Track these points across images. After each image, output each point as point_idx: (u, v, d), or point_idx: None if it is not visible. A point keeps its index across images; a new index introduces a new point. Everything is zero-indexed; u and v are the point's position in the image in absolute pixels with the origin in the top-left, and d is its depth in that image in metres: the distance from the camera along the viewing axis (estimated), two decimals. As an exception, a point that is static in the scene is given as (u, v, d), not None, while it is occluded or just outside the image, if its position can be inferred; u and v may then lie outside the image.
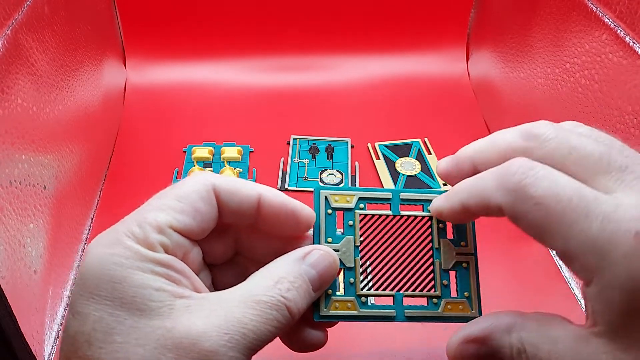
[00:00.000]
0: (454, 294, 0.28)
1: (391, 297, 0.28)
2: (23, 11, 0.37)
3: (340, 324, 0.28)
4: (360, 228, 0.28)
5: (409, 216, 0.28)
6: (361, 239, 0.28)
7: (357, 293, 0.27)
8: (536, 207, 0.20)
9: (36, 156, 0.37)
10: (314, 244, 0.27)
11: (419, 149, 0.57)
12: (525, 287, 0.43)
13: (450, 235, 0.28)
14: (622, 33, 0.37)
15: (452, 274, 0.28)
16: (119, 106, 0.61)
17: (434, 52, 0.67)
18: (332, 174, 0.54)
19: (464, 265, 0.28)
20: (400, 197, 0.29)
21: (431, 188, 0.52)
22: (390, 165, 0.55)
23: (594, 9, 0.40)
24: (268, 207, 0.25)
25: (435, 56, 0.67)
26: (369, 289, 0.28)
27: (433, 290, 0.28)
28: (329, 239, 0.28)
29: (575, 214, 0.19)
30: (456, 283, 0.28)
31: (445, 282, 0.28)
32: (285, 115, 0.61)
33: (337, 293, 0.27)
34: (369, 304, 0.28)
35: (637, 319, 0.19)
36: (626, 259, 0.18)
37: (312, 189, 0.52)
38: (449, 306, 0.28)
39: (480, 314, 0.28)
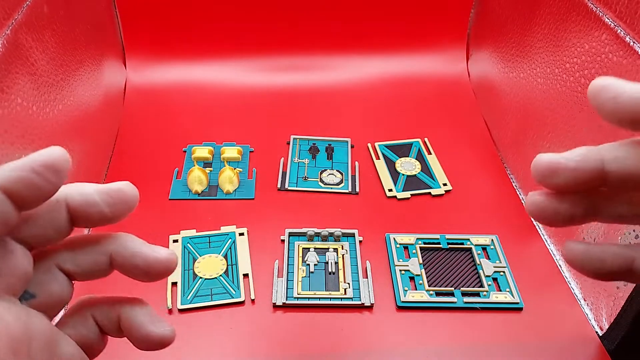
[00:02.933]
0: (496, 290, 0.42)
1: (452, 292, 0.42)
2: (23, 11, 0.37)
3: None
4: (422, 253, 0.45)
5: (454, 248, 0.46)
6: (422, 260, 0.45)
7: (426, 289, 0.42)
8: None
9: (36, 156, 0.37)
10: None
11: (419, 149, 0.57)
12: (526, 287, 0.43)
13: (486, 257, 0.45)
14: (622, 33, 0.37)
15: (492, 279, 0.43)
16: (119, 106, 0.61)
17: (434, 52, 0.67)
18: (332, 174, 0.54)
19: (501, 273, 0.43)
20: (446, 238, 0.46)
21: (431, 188, 0.52)
22: (390, 165, 0.55)
23: (594, 8, 0.40)
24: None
25: (435, 56, 0.67)
26: (434, 286, 0.42)
27: (481, 287, 0.42)
28: (400, 260, 0.44)
29: None
30: (497, 284, 0.43)
31: (489, 282, 0.43)
32: (285, 115, 0.61)
33: (412, 290, 0.42)
34: (435, 296, 0.42)
35: None
36: None
37: (311, 189, 0.52)
38: (496, 296, 0.42)
39: (521, 301, 0.41)
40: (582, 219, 0.22)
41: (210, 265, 0.44)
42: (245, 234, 0.47)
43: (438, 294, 0.42)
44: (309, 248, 0.45)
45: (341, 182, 0.53)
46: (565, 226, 0.22)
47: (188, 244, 0.45)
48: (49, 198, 0.19)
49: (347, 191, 0.52)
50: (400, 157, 0.56)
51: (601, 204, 0.22)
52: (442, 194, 0.52)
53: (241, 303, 0.41)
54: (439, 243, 0.46)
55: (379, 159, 0.56)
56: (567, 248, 0.22)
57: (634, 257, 0.21)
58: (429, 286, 0.42)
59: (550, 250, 0.46)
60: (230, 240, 0.46)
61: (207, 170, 0.52)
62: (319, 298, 0.41)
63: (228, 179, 0.51)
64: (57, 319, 0.21)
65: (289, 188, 0.52)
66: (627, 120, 0.20)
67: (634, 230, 0.35)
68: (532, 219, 0.22)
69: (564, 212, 0.21)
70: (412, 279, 0.43)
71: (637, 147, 0.20)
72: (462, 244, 0.46)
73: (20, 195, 0.18)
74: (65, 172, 0.19)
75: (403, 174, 0.54)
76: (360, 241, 0.46)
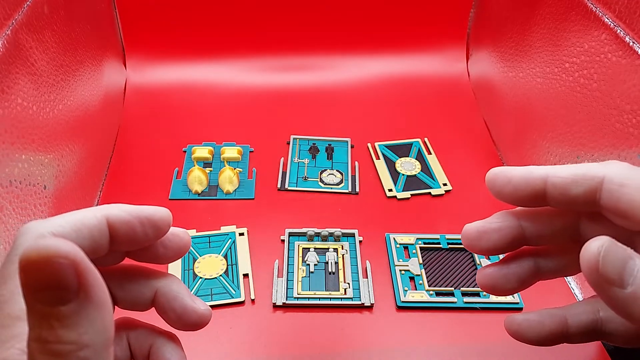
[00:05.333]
0: None
1: (452, 292, 0.42)
2: (23, 11, 0.37)
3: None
4: (422, 253, 0.45)
5: (454, 248, 0.46)
6: (422, 260, 0.44)
7: (426, 289, 0.42)
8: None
9: (36, 156, 0.37)
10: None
11: (419, 149, 0.57)
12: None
13: (486, 257, 0.44)
14: (621, 32, 0.37)
15: None
16: (119, 106, 0.61)
17: (434, 52, 0.67)
18: (332, 174, 0.54)
19: None
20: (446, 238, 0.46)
21: (431, 188, 0.52)
22: (390, 165, 0.55)
23: (594, 8, 0.40)
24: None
25: (435, 56, 0.67)
26: (434, 286, 0.42)
27: None
28: (400, 260, 0.44)
29: None
30: None
31: None
32: (285, 115, 0.61)
33: (412, 290, 0.42)
34: (435, 296, 0.42)
35: None
36: None
37: (311, 189, 0.52)
38: (496, 296, 0.41)
39: (520, 301, 0.41)
40: (530, 280, 0.24)
41: (210, 265, 0.44)
42: (245, 234, 0.47)
43: (438, 294, 0.42)
44: (309, 248, 0.45)
45: (341, 182, 0.53)
46: (515, 292, 0.25)
47: (188, 244, 0.46)
48: (138, 248, 0.21)
49: (347, 191, 0.52)
50: (400, 157, 0.56)
51: (541, 262, 0.24)
52: (442, 194, 0.52)
53: (241, 303, 0.41)
54: (439, 243, 0.46)
55: (379, 159, 0.56)
56: (507, 320, 0.25)
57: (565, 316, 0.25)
58: (429, 286, 0.42)
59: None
60: (230, 240, 0.46)
61: (207, 170, 0.52)
62: (319, 298, 0.42)
63: (228, 179, 0.51)
64: None
65: (289, 188, 0.52)
66: (526, 198, 0.22)
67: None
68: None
69: (512, 274, 0.24)
70: (412, 279, 0.43)
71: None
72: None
73: (120, 235, 0.20)
74: (162, 233, 0.21)
75: (403, 174, 0.54)
76: (360, 241, 0.46)
